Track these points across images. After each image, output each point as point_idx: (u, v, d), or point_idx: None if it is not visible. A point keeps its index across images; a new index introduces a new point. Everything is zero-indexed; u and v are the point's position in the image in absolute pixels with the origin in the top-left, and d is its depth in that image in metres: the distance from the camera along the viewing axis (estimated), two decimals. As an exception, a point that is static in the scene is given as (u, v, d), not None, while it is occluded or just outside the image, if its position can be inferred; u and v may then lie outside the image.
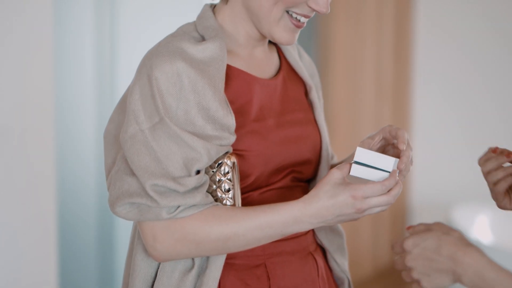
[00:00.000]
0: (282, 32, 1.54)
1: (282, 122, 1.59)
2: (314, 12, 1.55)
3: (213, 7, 1.62)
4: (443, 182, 4.38)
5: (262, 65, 1.62)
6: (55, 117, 2.65)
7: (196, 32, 1.56)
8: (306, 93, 1.70)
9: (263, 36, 1.60)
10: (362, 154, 1.43)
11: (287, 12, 1.54)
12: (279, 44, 1.59)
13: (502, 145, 1.62)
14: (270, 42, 1.70)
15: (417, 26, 4.31)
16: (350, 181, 1.45)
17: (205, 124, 1.45)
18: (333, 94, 4.01)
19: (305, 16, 1.54)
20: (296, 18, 1.54)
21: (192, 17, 1.65)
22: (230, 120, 1.47)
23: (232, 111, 1.49)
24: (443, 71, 4.32)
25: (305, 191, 1.63)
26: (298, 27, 1.55)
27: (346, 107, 4.11)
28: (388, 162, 1.43)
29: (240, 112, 1.53)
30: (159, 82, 1.44)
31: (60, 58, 3.51)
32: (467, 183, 4.34)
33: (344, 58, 4.04)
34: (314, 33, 4.00)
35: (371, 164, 1.42)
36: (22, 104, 2.46)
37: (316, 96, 1.71)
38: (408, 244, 1.48)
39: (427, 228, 1.51)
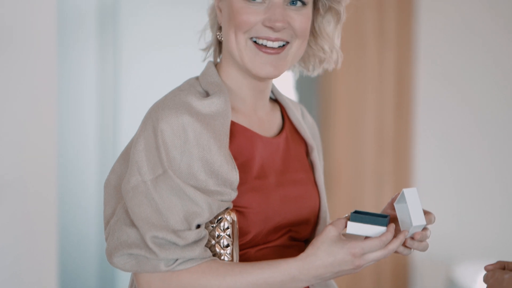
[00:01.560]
0: (255, 62, 1.54)
1: (283, 181, 1.59)
2: (277, 33, 1.54)
3: (216, 64, 1.65)
4: (445, 238, 4.34)
5: (265, 123, 1.63)
6: (57, 170, 2.66)
7: (200, 87, 1.57)
8: (307, 153, 1.71)
9: (261, 84, 1.60)
10: (356, 216, 1.46)
11: (254, 42, 1.54)
12: (260, 76, 1.56)
13: (502, 204, 1.61)
14: (273, 100, 1.71)
15: (418, 81, 4.30)
16: (346, 237, 1.47)
17: (207, 179, 1.45)
18: (334, 148, 4.03)
19: (268, 39, 1.54)
20: (261, 44, 1.54)
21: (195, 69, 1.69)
22: (234, 176, 1.48)
23: (236, 167, 1.49)
24: (444, 126, 4.30)
25: (302, 250, 1.61)
26: (268, 53, 1.54)
27: (347, 161, 4.10)
28: (381, 219, 1.45)
29: (242, 168, 1.53)
30: (164, 134, 1.45)
31: (63, 111, 3.54)
32: (470, 240, 4.30)
33: (345, 113, 4.06)
34: (315, 86, 4.02)
35: (366, 221, 1.44)
36: (24, 156, 2.46)
37: (317, 157, 1.71)
38: (487, 276, 1.50)
39: (502, 265, 1.53)
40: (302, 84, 3.96)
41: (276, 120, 1.67)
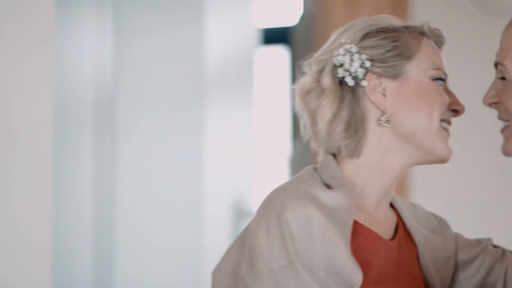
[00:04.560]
0: (445, 145, 1.51)
1: None
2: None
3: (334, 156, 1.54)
4: None
5: (383, 223, 1.55)
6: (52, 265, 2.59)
7: (320, 179, 1.49)
8: (418, 258, 1.59)
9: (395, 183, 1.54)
10: None
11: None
12: (442, 161, 1.52)
13: None
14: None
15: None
16: None
17: (327, 277, 1.40)
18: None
19: (450, 123, 1.53)
20: (444, 127, 1.52)
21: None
22: (358, 277, 1.41)
23: (359, 267, 1.41)
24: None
25: None
26: (449, 135, 1.53)
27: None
28: None
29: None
30: (289, 224, 1.40)
31: (58, 204, 3.47)
32: None
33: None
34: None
35: None
36: (17, 246, 2.43)
37: (429, 263, 1.60)
38: None
39: None
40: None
41: (392, 220, 1.59)
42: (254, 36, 3.76)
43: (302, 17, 4.04)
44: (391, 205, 1.59)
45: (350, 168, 1.50)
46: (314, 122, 1.51)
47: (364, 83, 1.48)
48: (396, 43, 1.50)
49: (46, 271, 2.51)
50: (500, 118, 1.44)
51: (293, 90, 1.56)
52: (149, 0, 3.73)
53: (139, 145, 3.71)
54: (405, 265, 1.53)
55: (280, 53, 4.38)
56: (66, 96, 3.65)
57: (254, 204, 3.70)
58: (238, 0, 3.76)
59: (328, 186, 1.48)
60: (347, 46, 1.49)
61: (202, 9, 3.56)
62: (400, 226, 1.57)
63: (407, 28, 1.53)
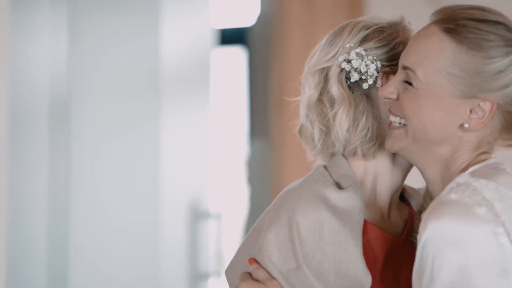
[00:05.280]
0: None
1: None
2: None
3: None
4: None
5: (394, 219, 1.52)
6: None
7: (331, 177, 1.47)
8: None
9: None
10: None
11: None
12: None
13: None
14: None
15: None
16: None
17: (336, 280, 1.38)
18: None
19: None
20: None
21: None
22: (368, 280, 1.38)
23: (368, 270, 1.38)
24: None
25: None
26: None
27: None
28: None
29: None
30: (300, 227, 1.39)
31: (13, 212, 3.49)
32: None
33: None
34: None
35: None
36: None
37: None
38: None
39: None
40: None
41: (404, 215, 1.55)
42: (211, 36, 3.75)
43: (259, 18, 4.04)
44: (404, 199, 1.57)
45: (361, 167, 1.49)
46: (328, 132, 1.48)
47: (379, 84, 1.46)
48: (397, 39, 1.49)
49: (1, 274, 2.48)
50: (391, 112, 1.44)
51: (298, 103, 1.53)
52: (105, 1, 3.70)
53: (94, 146, 3.67)
54: (413, 260, 1.48)
55: (237, 54, 4.37)
56: (21, 97, 3.60)
57: (211, 204, 3.70)
58: (195, 1, 3.75)
59: (338, 185, 1.45)
60: (358, 50, 1.46)
61: (158, 9, 3.54)
62: (411, 219, 1.54)
63: (394, 24, 1.52)
